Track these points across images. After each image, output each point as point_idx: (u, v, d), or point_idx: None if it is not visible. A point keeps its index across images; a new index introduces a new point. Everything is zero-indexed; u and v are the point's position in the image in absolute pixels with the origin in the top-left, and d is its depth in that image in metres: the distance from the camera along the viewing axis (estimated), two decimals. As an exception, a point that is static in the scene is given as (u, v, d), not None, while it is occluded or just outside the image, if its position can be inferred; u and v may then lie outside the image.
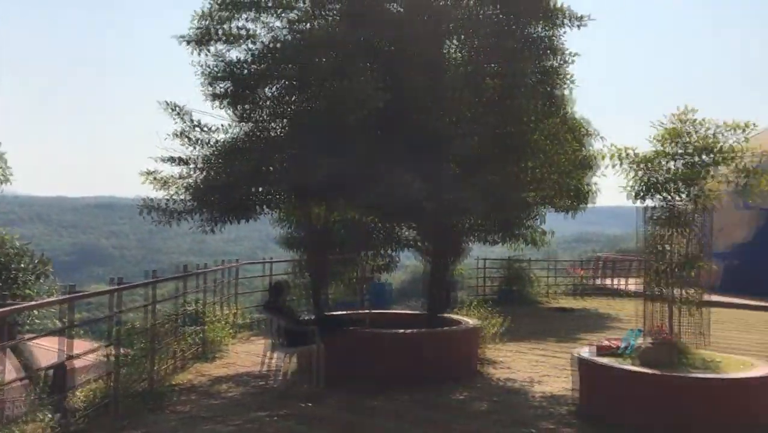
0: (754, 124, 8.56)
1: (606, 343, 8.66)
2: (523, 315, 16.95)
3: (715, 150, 8.85)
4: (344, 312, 11.79)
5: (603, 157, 9.62)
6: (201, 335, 11.32)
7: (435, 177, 9.46)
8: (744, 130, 8.54)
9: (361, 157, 9.24)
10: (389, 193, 8.75)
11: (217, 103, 10.29)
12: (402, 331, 10.19)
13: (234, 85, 10.15)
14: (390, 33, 10.37)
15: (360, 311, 11.60)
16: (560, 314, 18.12)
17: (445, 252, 12.00)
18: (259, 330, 13.65)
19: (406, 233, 12.52)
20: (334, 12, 10.84)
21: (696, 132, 8.98)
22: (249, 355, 11.55)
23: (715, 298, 18.51)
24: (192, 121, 10.09)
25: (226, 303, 14.00)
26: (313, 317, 10.61)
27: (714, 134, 8.89)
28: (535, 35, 11.06)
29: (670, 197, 9.09)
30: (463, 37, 11.41)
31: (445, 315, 12.09)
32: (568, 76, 11.32)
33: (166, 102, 10.06)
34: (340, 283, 16.04)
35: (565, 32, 11.00)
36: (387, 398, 8.64)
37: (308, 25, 10.75)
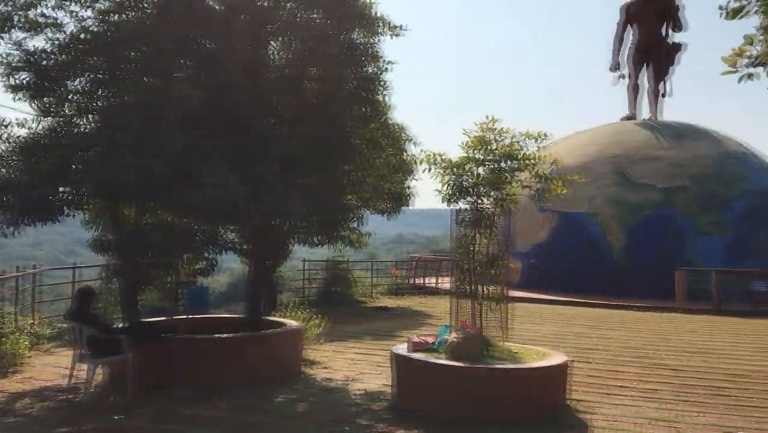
0: (546, 134, 9.42)
1: (418, 339, 9.10)
2: (344, 315, 17.29)
3: (516, 157, 9.63)
4: (158, 319, 11.29)
5: (419, 162, 10.14)
6: (-7, 348, 10.29)
7: (255, 178, 9.38)
8: (537, 140, 9.39)
9: (177, 156, 8.91)
10: (207, 194, 8.53)
11: (19, 95, 9.46)
12: (219, 336, 9.97)
13: (36, 77, 9.37)
14: (209, 30, 10.11)
15: (175, 317, 11.18)
16: (379, 313, 18.70)
17: (267, 254, 11.94)
18: (62, 341, 12.67)
19: (228, 235, 12.28)
20: (149, 4, 10.37)
21: (499, 140, 9.70)
22: (51, 368, 10.70)
23: (516, 294, 20.16)
24: (-17, 113, 9.16)
25: (24, 312, 12.84)
26: (124, 325, 10.06)
27: (515, 142, 9.66)
28: (354, 42, 11.35)
29: (477, 200, 9.75)
30: (283, 39, 11.43)
31: (268, 318, 12.02)
32: (386, 83, 11.74)
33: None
34: (155, 288, 15.36)
35: (380, 40, 11.39)
36: (206, 406, 8.42)
37: (120, 16, 10.18)
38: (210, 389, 8.98)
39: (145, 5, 10.42)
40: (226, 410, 8.26)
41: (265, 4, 11.31)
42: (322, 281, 22.69)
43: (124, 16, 10.22)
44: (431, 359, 8.34)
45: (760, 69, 3.82)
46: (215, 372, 9.38)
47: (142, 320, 10.66)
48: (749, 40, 3.58)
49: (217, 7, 10.77)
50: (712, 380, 10.25)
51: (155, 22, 9.74)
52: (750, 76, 3.75)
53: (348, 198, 12.28)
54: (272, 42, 11.63)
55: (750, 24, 3.89)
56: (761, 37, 3.80)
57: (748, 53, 3.63)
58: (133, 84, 9.48)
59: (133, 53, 9.58)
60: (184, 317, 11.30)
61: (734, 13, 3.49)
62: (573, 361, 10.14)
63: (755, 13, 3.74)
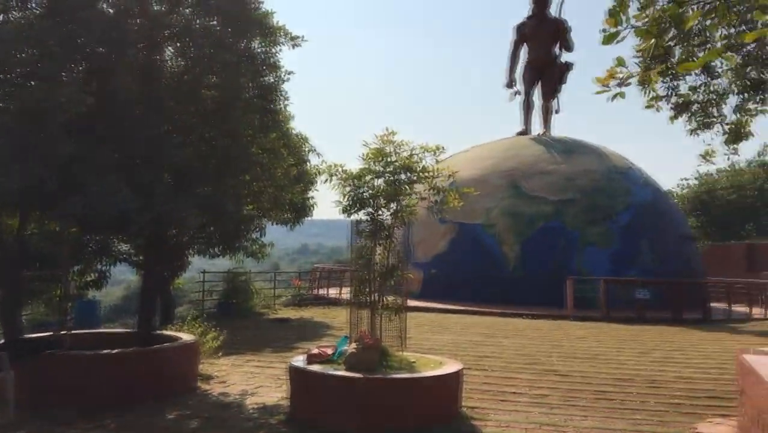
0: (442, 147, 9.65)
1: (317, 351, 9.07)
2: (243, 327, 16.98)
3: (414, 169, 9.80)
4: (41, 334, 10.69)
5: (320, 173, 10.15)
6: None
7: (147, 188, 9.08)
8: (435, 153, 9.60)
9: (63, 164, 8.52)
10: (95, 203, 8.19)
11: None
12: (106, 351, 9.55)
13: None
14: (100, 35, 9.73)
15: (60, 333, 10.61)
16: (279, 325, 18.46)
17: (162, 265, 11.58)
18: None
19: (121, 246, 11.83)
20: (36, 6, 9.88)
21: (398, 152, 9.84)
22: None
23: (415, 303, 20.41)
24: None
25: None
26: (3, 341, 9.47)
27: (413, 155, 9.83)
28: (254, 51, 11.24)
29: (375, 212, 9.85)
30: (180, 45, 11.17)
31: (162, 332, 11.63)
32: (285, 93, 11.70)
33: None
34: (40, 302, 14.56)
35: (280, 50, 11.34)
36: (91, 425, 8.04)
37: (5, 16, 9.65)
38: (96, 407, 8.58)
39: (33, 5, 9.92)
40: (112, 431, 7.92)
41: (161, 8, 11.02)
42: (221, 292, 22.19)
43: (8, 16, 9.70)
44: (327, 370, 8.33)
45: (629, 88, 4.08)
46: (102, 390, 8.98)
47: (25, 336, 10.07)
48: (620, 62, 3.82)
49: (109, 11, 10.39)
50: (598, 384, 10.76)
51: (42, 24, 9.28)
52: (621, 95, 4.00)
53: (247, 208, 12.12)
54: (168, 48, 11.34)
55: (627, 46, 4.16)
56: (636, 59, 4.07)
57: (618, 74, 3.86)
58: (18, 88, 8.99)
59: (17, 55, 9.09)
60: (69, 332, 10.76)
61: (609, 38, 3.72)
62: (469, 369, 10.40)
63: (631, 35, 3.98)
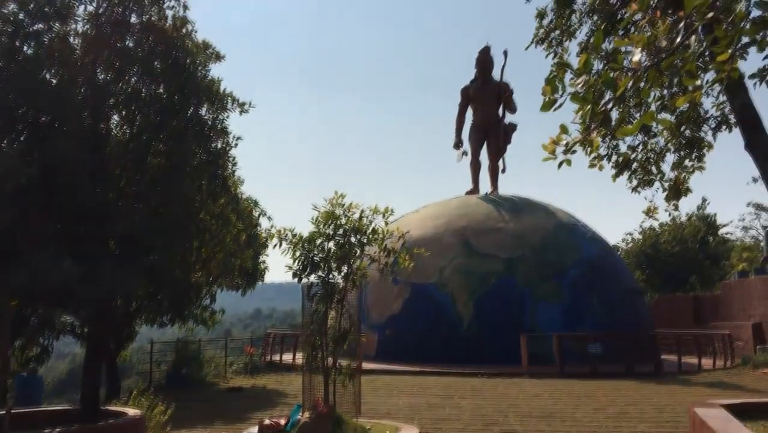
0: (392, 209, 9.72)
1: (269, 422, 8.80)
2: (193, 399, 16.40)
3: (365, 231, 9.82)
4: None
5: (271, 237, 10.08)
6: None
7: (91, 257, 8.86)
8: (384, 215, 9.66)
9: (3, 233, 8.26)
10: (35, 275, 7.92)
11: None
12: (48, 431, 9.05)
13: None
14: (44, 103, 9.64)
15: (-2, 413, 10.05)
16: (232, 395, 17.92)
17: (108, 337, 11.19)
18: None
19: (65, 318, 11.43)
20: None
21: (348, 215, 9.87)
22: None
23: (371, 366, 20.13)
24: None
25: None
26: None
27: (363, 217, 9.87)
28: (202, 117, 11.27)
29: (327, 275, 9.78)
30: (127, 113, 11.13)
31: (107, 408, 11.14)
32: (234, 158, 11.72)
33: None
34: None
35: (229, 116, 11.41)
36: None
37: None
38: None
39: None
40: None
41: (108, 77, 11.00)
42: (171, 362, 21.47)
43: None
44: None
45: (575, 154, 4.18)
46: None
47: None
48: (563, 130, 3.93)
49: (53, 80, 10.31)
50: (555, 442, 10.69)
51: (-19, 93, 9.14)
52: (567, 162, 4.09)
53: (196, 275, 11.90)
54: (114, 115, 11.28)
55: (570, 108, 4.26)
56: (578, 122, 4.16)
57: (564, 141, 3.96)
58: (-47, 157, 8.76)
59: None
60: (9, 411, 10.20)
61: (547, 106, 3.84)
62: None
63: (570, 100, 4.10)
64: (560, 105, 3.83)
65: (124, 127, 11.38)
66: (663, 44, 3.10)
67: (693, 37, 3.06)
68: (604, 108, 3.47)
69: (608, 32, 9.49)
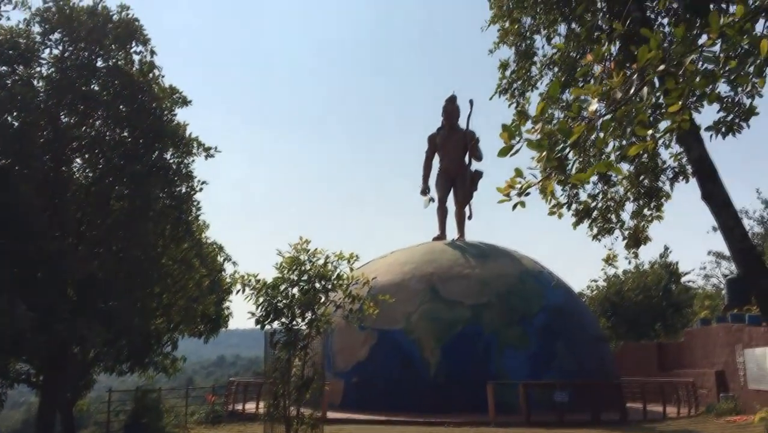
0: (357, 255, 9.69)
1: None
2: (151, 450, 15.87)
3: (329, 277, 9.75)
4: None
5: (234, 283, 9.94)
6: None
7: (46, 304, 8.61)
8: (349, 261, 9.62)
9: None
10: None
11: None
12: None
13: None
14: (4, 145, 9.50)
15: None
16: (192, 446, 17.40)
17: (64, 386, 10.82)
18: None
19: (20, 366, 11.05)
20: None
21: (313, 261, 9.81)
22: None
23: (336, 415, 19.78)
24: None
25: None
26: None
27: (328, 263, 9.81)
28: (166, 161, 11.19)
29: (291, 322, 9.65)
30: (90, 156, 11.00)
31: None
32: (198, 203, 11.61)
33: None
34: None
35: (193, 160, 11.35)
36: None
37: None
38: None
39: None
40: None
41: (71, 120, 10.91)
42: (129, 412, 20.79)
43: None
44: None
45: (535, 194, 4.24)
46: None
47: None
48: (518, 173, 3.99)
49: (14, 122, 10.18)
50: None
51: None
52: (521, 204, 4.15)
53: (156, 322, 11.64)
54: (77, 159, 11.15)
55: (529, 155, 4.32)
56: (535, 168, 4.23)
57: (518, 184, 4.02)
58: None
59: None
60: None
61: (504, 152, 3.90)
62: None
63: (526, 146, 4.17)
64: (516, 151, 3.90)
65: (87, 170, 11.24)
66: (618, 95, 3.19)
67: (645, 88, 3.15)
68: (559, 155, 3.54)
69: (568, 83, 9.75)
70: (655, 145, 5.54)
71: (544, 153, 3.54)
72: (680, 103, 3.36)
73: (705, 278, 46.56)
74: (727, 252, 44.37)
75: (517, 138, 3.63)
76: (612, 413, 20.87)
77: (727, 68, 3.24)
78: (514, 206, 4.18)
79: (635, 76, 3.20)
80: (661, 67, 3.20)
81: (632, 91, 3.18)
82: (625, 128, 3.27)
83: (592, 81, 10.71)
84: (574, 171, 5.17)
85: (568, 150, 3.50)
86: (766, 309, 6.42)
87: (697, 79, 3.31)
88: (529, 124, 3.86)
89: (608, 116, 3.31)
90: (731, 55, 3.31)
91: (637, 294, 39.98)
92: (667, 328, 38.91)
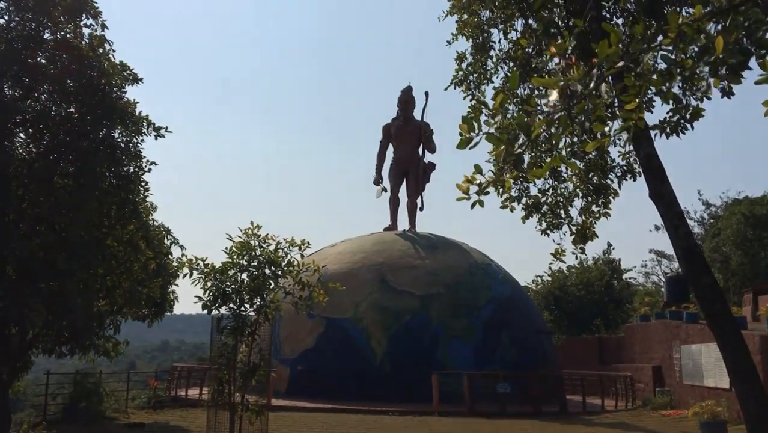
0: (308, 242, 9.61)
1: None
2: (89, 435, 15.52)
3: (280, 264, 9.65)
4: None
5: (182, 267, 9.74)
6: None
7: (-17, 282, 8.31)
8: (300, 247, 9.54)
9: None
10: None
11: None
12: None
13: None
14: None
15: None
16: (132, 431, 17.07)
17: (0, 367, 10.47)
18: None
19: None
20: None
21: (264, 246, 9.68)
22: None
23: (281, 402, 19.68)
24: None
25: None
26: None
27: (279, 249, 9.70)
28: (113, 140, 10.88)
29: (239, 307, 9.52)
30: (33, 132, 10.62)
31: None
32: (146, 183, 11.33)
33: None
34: None
35: (143, 140, 11.06)
36: None
37: None
38: None
39: None
40: None
41: (15, 93, 10.50)
42: (68, 395, 20.27)
43: None
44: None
45: (487, 196, 4.24)
46: None
47: None
48: (477, 170, 3.98)
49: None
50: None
51: None
52: (480, 203, 4.14)
53: (99, 304, 11.35)
54: (20, 134, 10.74)
55: (486, 149, 4.30)
56: (492, 162, 4.23)
57: (477, 181, 4.01)
58: None
59: None
60: None
61: (463, 144, 3.89)
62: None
63: (485, 139, 4.16)
64: (476, 144, 3.90)
65: (30, 146, 10.84)
66: (578, 89, 3.23)
67: (603, 84, 3.20)
68: (519, 150, 3.55)
69: (523, 79, 9.85)
70: (609, 143, 5.64)
71: (503, 147, 3.55)
72: (636, 100, 3.43)
73: (646, 276, 48.02)
74: (668, 251, 45.65)
75: (477, 130, 3.63)
76: (552, 404, 21.36)
77: (681, 68, 3.31)
78: (473, 205, 4.17)
79: (594, 70, 3.24)
80: (620, 64, 3.25)
81: (592, 85, 3.22)
82: (583, 123, 3.31)
83: (548, 76, 10.87)
84: (527, 166, 5.22)
85: (527, 145, 3.51)
86: (706, 306, 6.64)
87: (654, 77, 3.38)
88: (485, 117, 3.86)
89: (563, 113, 3.34)
90: (685, 56, 3.38)
91: (580, 289, 40.94)
92: (608, 323, 39.98)
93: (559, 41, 3.32)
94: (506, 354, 24.74)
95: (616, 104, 4.48)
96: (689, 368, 22.27)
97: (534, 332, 26.79)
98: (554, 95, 3.30)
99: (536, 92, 3.67)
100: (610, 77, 3.22)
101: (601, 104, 3.25)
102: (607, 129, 3.52)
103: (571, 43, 3.94)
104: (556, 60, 3.82)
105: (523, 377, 23.04)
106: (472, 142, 3.79)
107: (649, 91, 3.79)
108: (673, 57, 3.31)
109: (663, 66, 3.40)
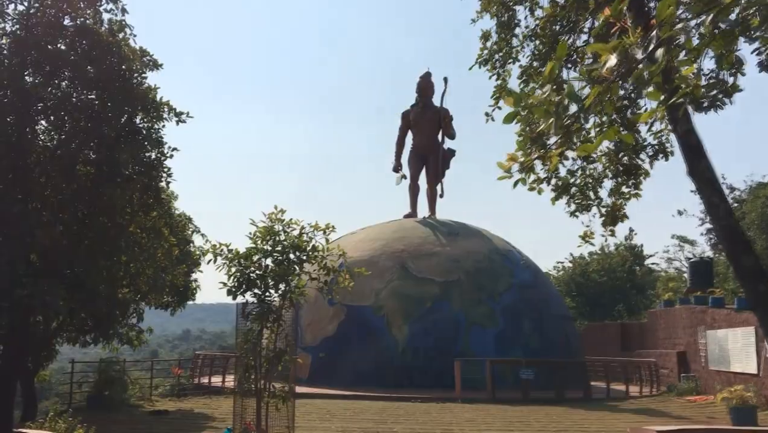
0: (333, 226, 9.48)
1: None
2: (116, 422, 15.56)
3: (304, 249, 9.52)
4: None
5: (204, 254, 9.65)
6: None
7: (7, 269, 8.25)
8: (325, 232, 9.40)
9: None
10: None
11: None
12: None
13: None
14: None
15: None
16: (156, 418, 17.12)
17: (24, 355, 10.47)
18: None
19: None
20: None
21: (288, 231, 9.57)
22: None
23: (303, 390, 19.69)
24: None
25: None
26: None
27: (303, 234, 9.58)
28: (136, 126, 10.79)
29: (264, 293, 9.42)
30: (55, 119, 10.56)
31: (21, 430, 10.40)
32: (169, 170, 11.24)
33: None
34: None
35: (164, 126, 10.97)
36: None
37: None
38: None
39: None
40: None
41: (36, 80, 10.44)
42: (92, 384, 20.39)
43: None
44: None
45: (530, 174, 4.05)
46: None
47: None
48: (520, 147, 3.82)
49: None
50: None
51: None
52: (523, 180, 3.97)
53: (123, 291, 11.32)
54: (42, 121, 10.69)
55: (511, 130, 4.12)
56: (520, 138, 4.04)
57: (520, 159, 3.85)
58: None
59: None
60: None
61: (509, 118, 3.71)
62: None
63: (534, 112, 3.96)
64: (522, 118, 3.73)
65: (52, 133, 10.79)
66: (638, 54, 3.04)
67: (660, 49, 3.01)
68: (569, 121, 3.37)
69: (548, 57, 9.60)
70: (663, 113, 5.41)
71: (551, 120, 3.37)
72: (694, 66, 3.24)
73: (668, 261, 47.42)
74: (690, 236, 45.07)
75: (522, 103, 3.45)
76: (576, 390, 21.16)
77: (747, 30, 3.12)
78: (515, 183, 4.01)
79: (654, 32, 3.04)
80: (680, 25, 3.05)
81: (651, 48, 3.03)
82: (639, 91, 3.12)
83: (576, 57, 10.62)
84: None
85: (581, 115, 3.33)
86: (747, 287, 6.42)
87: (714, 40, 3.17)
88: (527, 90, 3.68)
89: (618, 80, 3.16)
90: (749, 15, 3.18)
91: (602, 275, 40.56)
92: (630, 309, 39.60)
93: (615, 3, 3.13)
94: (528, 340, 24.55)
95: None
96: (715, 354, 21.95)
97: (556, 318, 26.56)
98: (612, 60, 3.11)
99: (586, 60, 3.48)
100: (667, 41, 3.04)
101: (658, 70, 3.06)
102: (662, 96, 3.33)
103: (626, 4, 3.73)
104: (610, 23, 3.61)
105: (546, 362, 22.84)
106: (517, 117, 3.62)
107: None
108: (737, 16, 3.11)
109: (724, 28, 3.20)
